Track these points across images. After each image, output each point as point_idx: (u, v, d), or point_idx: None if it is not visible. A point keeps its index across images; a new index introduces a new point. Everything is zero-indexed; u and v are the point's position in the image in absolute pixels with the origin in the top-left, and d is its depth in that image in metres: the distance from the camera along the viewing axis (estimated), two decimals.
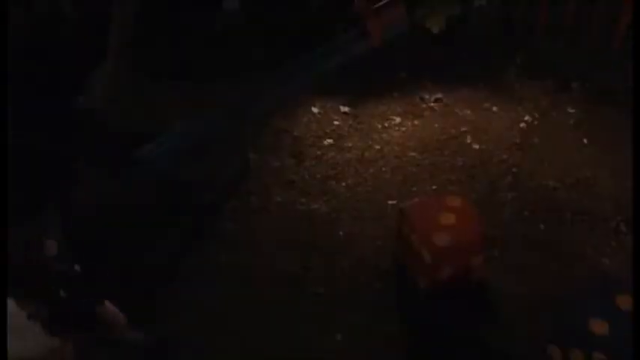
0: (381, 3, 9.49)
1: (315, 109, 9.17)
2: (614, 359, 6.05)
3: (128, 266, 6.97)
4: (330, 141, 8.68)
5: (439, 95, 9.34)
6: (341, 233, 7.51)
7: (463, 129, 8.82)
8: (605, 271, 7.28)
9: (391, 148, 8.53)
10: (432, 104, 9.21)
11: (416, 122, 8.94)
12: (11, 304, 4.77)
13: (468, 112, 9.10)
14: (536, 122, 8.94)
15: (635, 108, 6.12)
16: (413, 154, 8.45)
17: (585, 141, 8.76)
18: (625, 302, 6.42)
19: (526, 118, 9.01)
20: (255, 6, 10.16)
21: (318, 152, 8.52)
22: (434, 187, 8.00)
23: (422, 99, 9.30)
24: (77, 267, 5.39)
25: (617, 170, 8.33)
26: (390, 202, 7.78)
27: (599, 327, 6.26)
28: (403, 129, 8.83)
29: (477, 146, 8.57)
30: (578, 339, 6.33)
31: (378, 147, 8.56)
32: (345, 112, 9.11)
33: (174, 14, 9.87)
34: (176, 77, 9.21)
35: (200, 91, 9.02)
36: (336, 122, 8.97)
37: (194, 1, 10.02)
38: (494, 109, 9.17)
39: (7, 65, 5.98)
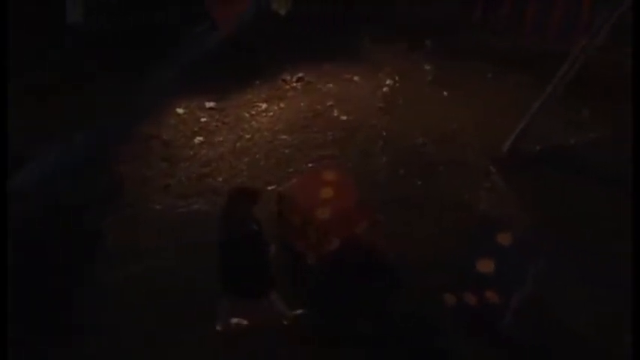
0: None
1: (180, 110, 9.02)
2: (503, 294, 6.37)
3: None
4: (200, 139, 8.58)
5: (300, 74, 9.41)
6: None
7: (329, 103, 8.93)
8: (484, 213, 7.60)
9: (261, 135, 8.53)
10: (294, 84, 9.27)
11: (282, 105, 8.97)
12: None
13: (331, 85, 9.22)
14: (397, 84, 9.18)
15: (635, 107, 6.30)
16: (284, 136, 8.48)
17: (445, 94, 9.08)
18: (505, 239, 6.72)
19: (387, 82, 9.22)
20: (99, 15, 9.82)
21: (190, 152, 8.40)
22: (309, 164, 8.07)
23: (284, 81, 9.34)
24: None
25: (478, 118, 8.70)
26: (269, 187, 7.77)
27: (485, 266, 6.53)
28: (270, 114, 8.85)
29: (344, 117, 8.71)
30: (468, 282, 6.59)
31: (248, 136, 8.54)
32: (210, 108, 9.03)
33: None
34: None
35: (63, 108, 8.67)
36: (203, 119, 8.87)
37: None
38: (356, 78, 9.34)
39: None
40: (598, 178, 7.76)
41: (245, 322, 6.47)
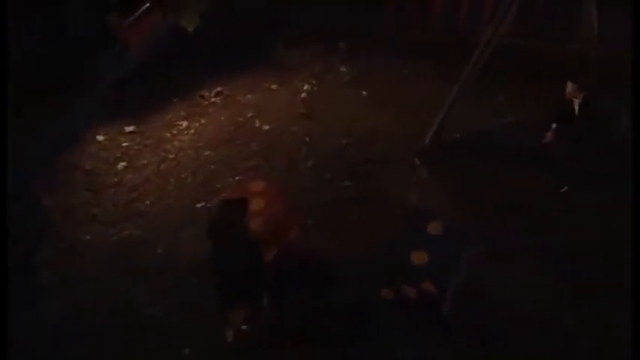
0: (134, 15, 9.39)
1: (100, 137, 8.88)
2: (439, 284, 6.49)
3: None
4: (123, 164, 8.46)
5: (218, 88, 9.39)
6: (158, 251, 7.36)
7: (249, 114, 8.93)
8: (413, 206, 7.72)
9: (185, 153, 8.47)
10: (213, 99, 9.25)
11: (203, 121, 8.93)
12: None
13: (250, 96, 9.23)
14: (315, 89, 9.25)
15: (635, 106, 6.38)
16: (208, 152, 8.44)
17: (364, 93, 9.20)
18: (435, 228, 6.88)
19: (305, 87, 9.29)
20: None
21: (115, 179, 8.28)
22: (236, 177, 8.05)
23: (203, 97, 9.30)
24: None
25: (398, 113, 8.85)
26: (198, 205, 7.73)
27: (419, 258, 6.66)
28: (192, 131, 8.79)
29: (266, 127, 8.73)
30: (405, 275, 6.69)
31: (172, 156, 8.46)
32: (131, 132, 8.91)
33: None
34: None
35: None
36: (125, 144, 8.75)
37: None
38: (274, 86, 9.37)
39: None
40: (516, 160, 7.96)
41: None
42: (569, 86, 7.42)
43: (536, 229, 7.26)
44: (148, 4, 9.29)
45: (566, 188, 7.64)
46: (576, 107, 7.39)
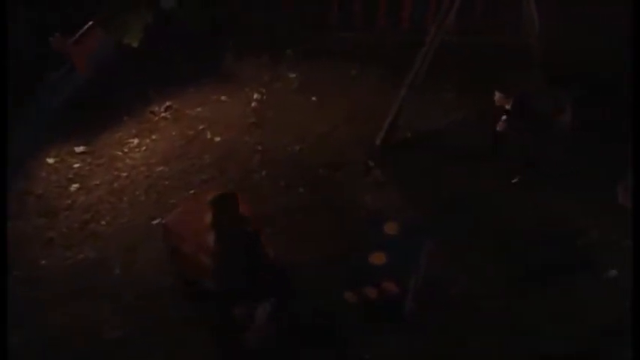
0: (78, 34, 9.27)
1: (50, 160, 8.72)
2: (400, 281, 6.54)
3: None
4: (76, 186, 8.34)
5: (168, 103, 9.31)
6: (116, 272, 7.30)
7: (200, 127, 8.89)
8: (368, 207, 7.78)
9: (138, 171, 8.39)
10: (163, 114, 9.16)
11: (154, 137, 8.85)
12: None
13: (200, 109, 9.19)
14: (264, 97, 9.25)
15: (635, 106, 6.43)
16: (160, 168, 8.39)
17: (314, 99, 9.24)
18: (392, 228, 6.92)
19: (255, 96, 9.28)
20: None
21: (68, 201, 8.16)
22: (191, 191, 8.02)
23: (152, 112, 9.21)
24: None
25: (349, 116, 8.92)
26: (153, 222, 7.68)
27: (378, 258, 6.69)
28: (144, 148, 8.71)
29: (218, 139, 8.71)
30: (365, 277, 6.73)
31: (125, 174, 8.38)
32: (82, 152, 8.77)
33: None
34: None
35: None
36: (76, 165, 8.62)
37: None
38: (223, 97, 9.34)
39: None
40: (468, 156, 8.12)
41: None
42: (497, 96, 7.69)
43: (488, 221, 7.49)
44: (91, 22, 9.17)
45: (517, 180, 7.83)
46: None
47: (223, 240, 5.99)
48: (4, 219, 4.90)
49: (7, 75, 6.07)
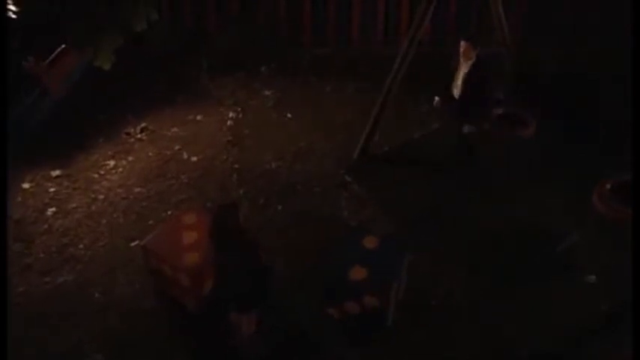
0: (51, 57, 9.24)
1: (26, 185, 8.64)
2: (381, 295, 6.56)
3: None
4: (52, 210, 8.27)
5: (143, 124, 9.30)
6: (96, 295, 7.23)
7: (176, 147, 8.89)
8: (347, 222, 7.81)
9: (115, 193, 8.35)
10: (139, 135, 9.15)
11: (130, 158, 8.83)
12: None
13: (176, 129, 9.19)
14: (240, 115, 9.29)
15: (635, 106, 6.45)
16: (138, 189, 8.36)
17: (290, 115, 9.29)
18: (370, 242, 6.94)
19: (230, 115, 9.31)
20: None
21: (45, 226, 8.08)
22: (169, 212, 8.00)
23: (128, 134, 9.19)
24: None
25: (325, 131, 8.98)
26: (132, 244, 7.64)
27: (358, 273, 6.70)
28: (120, 170, 8.68)
29: (194, 158, 8.71)
30: (346, 291, 6.74)
31: (102, 197, 8.33)
32: (57, 176, 8.71)
33: None
34: None
35: None
36: (52, 189, 8.55)
37: None
38: (199, 117, 9.36)
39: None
40: (442, 167, 8.21)
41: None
42: (462, 45, 7.56)
43: (465, 228, 7.61)
44: (63, 46, 9.13)
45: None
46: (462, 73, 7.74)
47: (224, 250, 5.97)
48: (4, 219, 4.85)
49: (7, 75, 6.09)
